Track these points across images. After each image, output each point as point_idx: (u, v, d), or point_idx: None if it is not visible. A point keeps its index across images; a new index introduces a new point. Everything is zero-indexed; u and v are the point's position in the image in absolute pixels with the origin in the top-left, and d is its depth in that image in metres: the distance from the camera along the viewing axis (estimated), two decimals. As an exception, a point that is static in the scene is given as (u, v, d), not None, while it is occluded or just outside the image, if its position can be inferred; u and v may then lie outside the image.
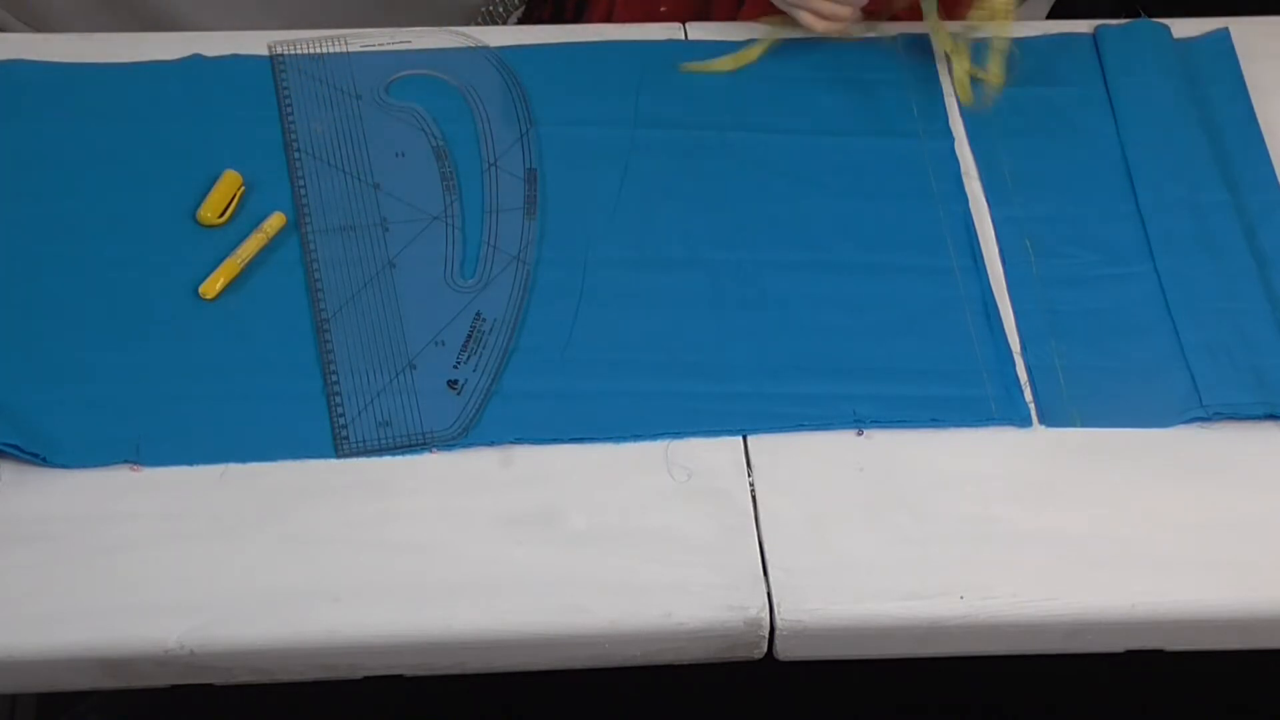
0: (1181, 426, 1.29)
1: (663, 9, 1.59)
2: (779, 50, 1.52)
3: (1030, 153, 1.46)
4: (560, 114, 1.47)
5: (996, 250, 1.39)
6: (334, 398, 1.27)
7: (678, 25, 1.55)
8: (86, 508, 1.21)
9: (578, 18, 1.69)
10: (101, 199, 1.38)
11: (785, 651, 1.19)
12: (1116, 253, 1.40)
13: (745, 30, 1.54)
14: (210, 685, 1.17)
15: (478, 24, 1.85)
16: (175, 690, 1.18)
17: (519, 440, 1.26)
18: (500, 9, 1.82)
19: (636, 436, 1.26)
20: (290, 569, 1.18)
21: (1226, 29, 1.55)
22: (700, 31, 1.54)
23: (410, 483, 1.23)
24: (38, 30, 1.92)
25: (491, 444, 1.26)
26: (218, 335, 1.30)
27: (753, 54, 1.49)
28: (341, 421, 1.26)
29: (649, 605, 1.18)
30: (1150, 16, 1.56)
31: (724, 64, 1.47)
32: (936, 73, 1.52)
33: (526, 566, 1.19)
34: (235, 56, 1.49)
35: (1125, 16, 1.56)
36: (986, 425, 1.28)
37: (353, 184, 1.41)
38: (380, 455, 1.25)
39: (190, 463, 1.23)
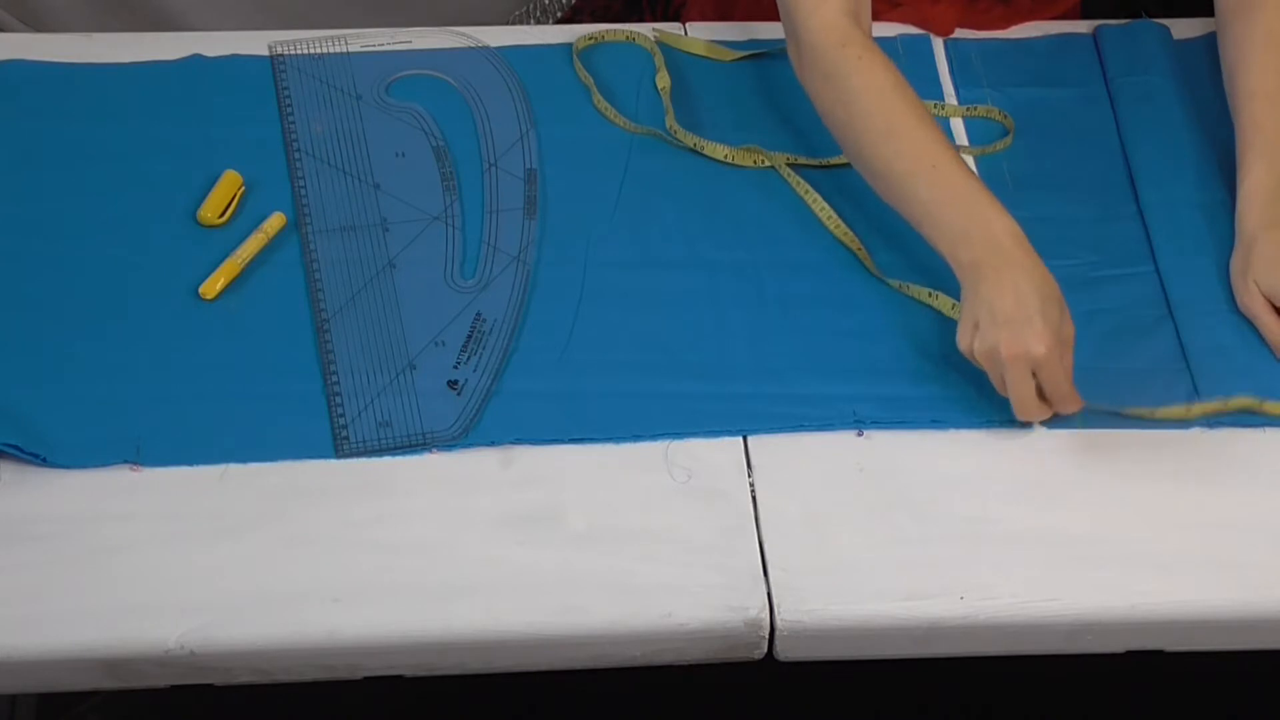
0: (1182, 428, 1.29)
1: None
2: (778, 52, 1.52)
3: (1030, 153, 1.46)
4: (560, 114, 1.47)
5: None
6: (334, 398, 1.27)
7: (677, 25, 1.55)
8: (86, 508, 1.21)
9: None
10: (101, 199, 1.38)
11: (785, 652, 1.19)
12: (1117, 253, 1.39)
13: (744, 30, 1.54)
14: (210, 685, 1.17)
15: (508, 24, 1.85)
16: (175, 690, 1.18)
17: (519, 440, 1.26)
18: (537, 13, 1.83)
19: (636, 436, 1.26)
20: (290, 569, 1.18)
21: (1226, 29, 1.55)
22: (700, 31, 1.54)
23: (410, 483, 1.23)
24: (38, 30, 1.92)
25: (491, 444, 1.26)
26: (218, 335, 1.30)
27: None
28: (341, 422, 1.26)
29: (649, 605, 1.17)
30: (1150, 16, 1.56)
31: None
32: (937, 74, 1.52)
33: (526, 566, 1.19)
34: (235, 56, 1.49)
35: (1125, 16, 1.56)
36: (986, 426, 1.28)
37: (353, 184, 1.41)
38: (380, 455, 1.25)
39: (190, 463, 1.23)
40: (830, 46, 1.34)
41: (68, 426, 1.24)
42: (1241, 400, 1.29)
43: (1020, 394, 1.23)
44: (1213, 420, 1.29)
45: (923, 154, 1.30)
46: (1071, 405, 1.25)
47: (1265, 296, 1.31)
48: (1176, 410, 1.28)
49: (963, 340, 1.26)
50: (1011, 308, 1.23)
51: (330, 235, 1.37)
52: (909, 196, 1.30)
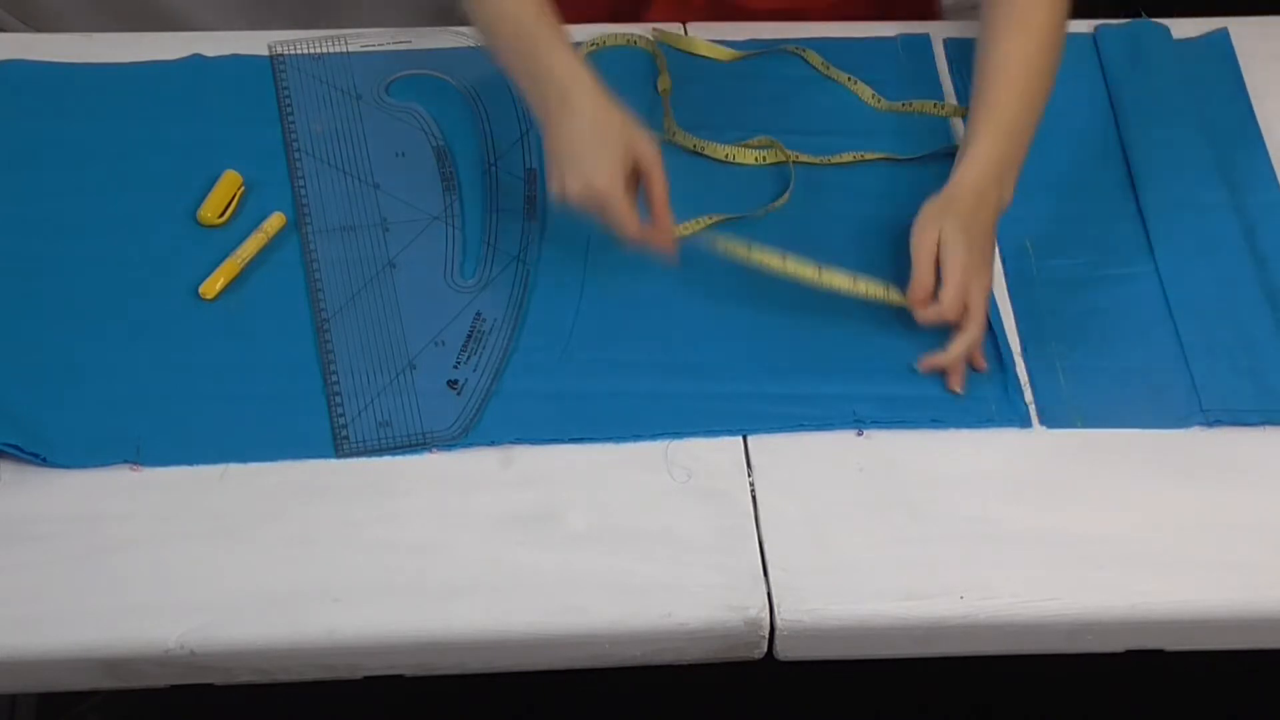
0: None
1: None
2: (778, 51, 1.52)
3: (1030, 153, 1.46)
4: (560, 114, 1.46)
5: (997, 250, 1.39)
6: (334, 398, 1.27)
7: (678, 25, 1.55)
8: (86, 508, 1.21)
9: None
10: (101, 199, 1.38)
11: (785, 651, 1.19)
12: (1117, 253, 1.39)
13: (745, 30, 1.54)
14: (210, 685, 1.17)
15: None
16: (175, 690, 1.18)
17: (519, 440, 1.26)
18: None
19: (636, 436, 1.26)
20: (290, 569, 1.18)
21: (1226, 29, 1.55)
22: (700, 31, 1.54)
23: (410, 483, 1.23)
24: (38, 30, 1.92)
25: (491, 444, 1.26)
26: (218, 335, 1.30)
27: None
28: (341, 421, 1.26)
29: (649, 605, 1.18)
30: (1150, 16, 1.56)
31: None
32: (937, 74, 1.52)
33: (526, 566, 1.19)
34: (235, 56, 1.49)
35: (1125, 16, 1.56)
36: (986, 426, 1.28)
37: (353, 184, 1.41)
38: (380, 455, 1.25)
39: (190, 463, 1.23)
40: None
41: (68, 426, 1.24)
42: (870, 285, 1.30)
43: (615, 226, 1.25)
44: (1211, 420, 1.29)
45: (508, 9, 1.32)
46: (652, 239, 1.26)
47: (940, 243, 1.28)
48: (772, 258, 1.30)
49: (551, 187, 1.29)
50: (567, 147, 1.26)
51: (330, 235, 1.37)
52: (495, 48, 1.33)
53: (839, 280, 1.30)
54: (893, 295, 1.30)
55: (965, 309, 1.28)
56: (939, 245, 1.28)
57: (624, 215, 1.25)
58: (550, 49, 1.29)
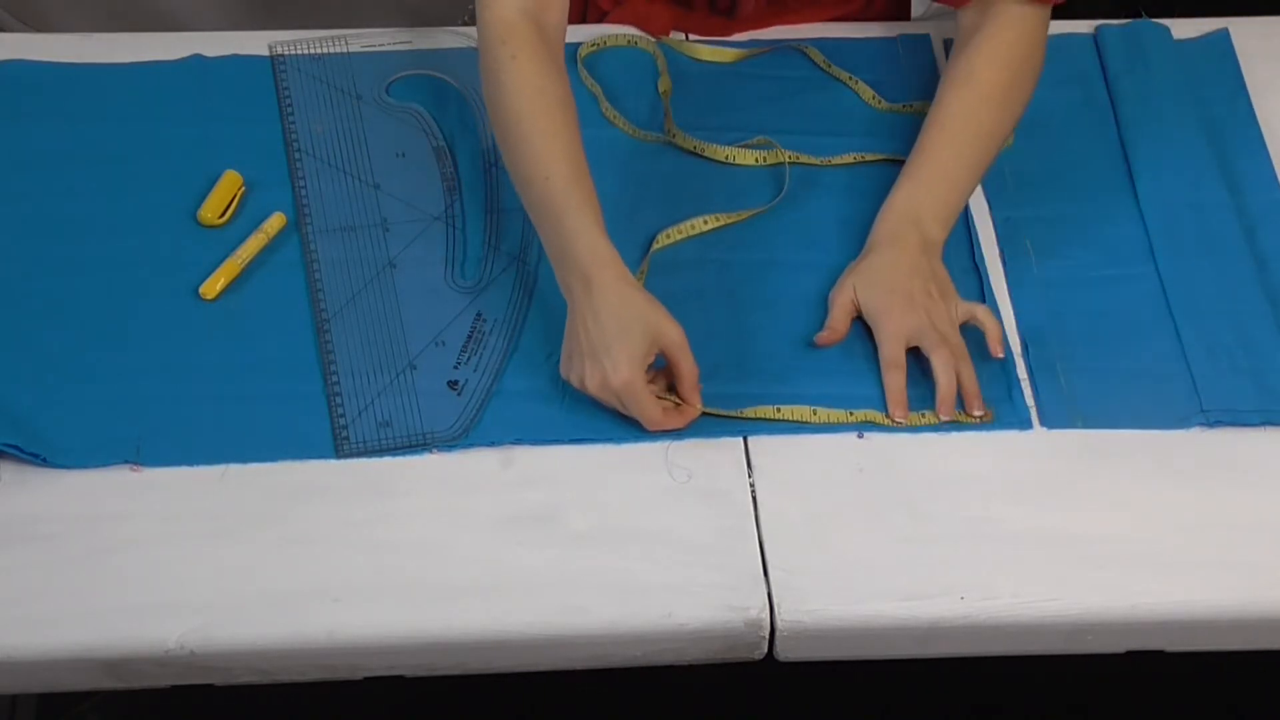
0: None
1: None
2: (778, 52, 1.52)
3: (1030, 153, 1.46)
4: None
5: (997, 250, 1.39)
6: (334, 398, 1.27)
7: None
8: (86, 508, 1.21)
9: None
10: (101, 199, 1.38)
11: (785, 652, 1.19)
12: (1117, 253, 1.39)
13: (745, 34, 1.54)
14: (210, 685, 1.17)
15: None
16: (175, 690, 1.18)
17: (519, 440, 1.26)
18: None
19: (636, 437, 1.26)
20: (290, 569, 1.18)
21: (1226, 29, 1.55)
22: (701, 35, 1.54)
23: (410, 483, 1.23)
24: (38, 30, 1.92)
25: (491, 444, 1.26)
26: (218, 335, 1.30)
27: None
28: (342, 422, 1.26)
29: (649, 605, 1.18)
30: (1150, 16, 1.56)
31: None
32: (937, 74, 1.52)
33: (526, 566, 1.19)
34: (235, 56, 1.49)
35: (1125, 16, 1.56)
36: (986, 427, 1.28)
37: (353, 184, 1.41)
38: (380, 455, 1.25)
39: (190, 463, 1.23)
40: (492, 41, 1.32)
41: (68, 426, 1.24)
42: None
43: (636, 416, 1.24)
44: (1212, 420, 1.29)
45: (541, 163, 1.27)
46: (674, 422, 1.25)
47: (855, 302, 1.31)
48: (802, 411, 1.28)
49: (562, 369, 1.26)
50: (587, 338, 1.23)
51: (330, 235, 1.37)
52: (527, 204, 1.29)
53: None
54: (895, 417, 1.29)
55: (938, 342, 1.28)
56: (855, 303, 1.31)
57: (645, 407, 1.23)
58: (577, 224, 1.25)
